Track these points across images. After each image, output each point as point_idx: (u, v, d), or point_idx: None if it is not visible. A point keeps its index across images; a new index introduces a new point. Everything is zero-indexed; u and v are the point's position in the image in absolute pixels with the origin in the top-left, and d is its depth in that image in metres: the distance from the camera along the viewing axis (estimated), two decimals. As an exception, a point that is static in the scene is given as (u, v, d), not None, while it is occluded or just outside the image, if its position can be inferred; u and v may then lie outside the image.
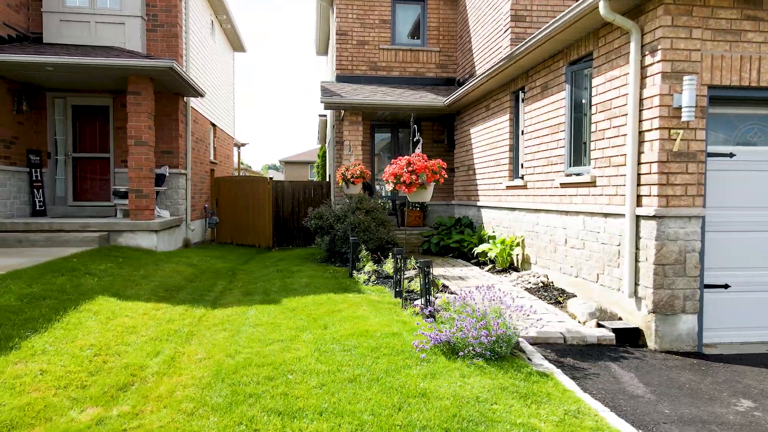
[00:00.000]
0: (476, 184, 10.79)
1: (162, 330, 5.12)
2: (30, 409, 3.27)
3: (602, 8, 5.24)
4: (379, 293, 6.91)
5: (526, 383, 3.84)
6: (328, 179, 16.14)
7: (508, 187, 8.96)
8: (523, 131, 8.50)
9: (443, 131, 13.36)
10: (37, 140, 11.50)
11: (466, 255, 10.11)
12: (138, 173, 10.21)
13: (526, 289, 7.17)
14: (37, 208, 11.25)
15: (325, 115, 20.17)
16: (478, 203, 10.53)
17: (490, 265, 8.83)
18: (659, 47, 5.04)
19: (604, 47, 6.01)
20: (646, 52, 5.22)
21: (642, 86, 5.29)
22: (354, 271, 8.13)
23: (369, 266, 8.36)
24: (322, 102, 11.34)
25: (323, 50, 19.10)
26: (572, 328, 5.48)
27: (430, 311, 5.46)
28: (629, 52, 5.42)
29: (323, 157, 27.58)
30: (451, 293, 6.66)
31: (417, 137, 6.71)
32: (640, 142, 5.31)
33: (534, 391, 3.70)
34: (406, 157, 5.82)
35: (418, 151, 5.97)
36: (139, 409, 3.42)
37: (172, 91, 11.72)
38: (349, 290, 6.93)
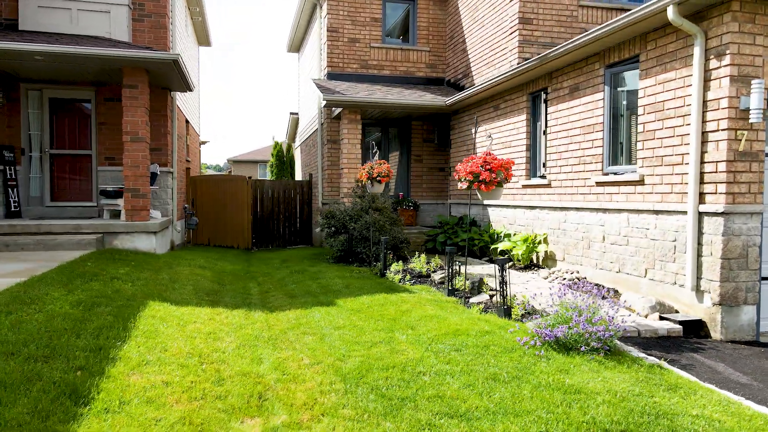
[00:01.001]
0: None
1: (242, 336, 4.84)
2: (189, 422, 2.99)
3: (671, 13, 5.44)
4: (427, 292, 6.84)
5: (656, 376, 3.93)
6: (309, 178, 15.79)
7: (525, 186, 9.13)
8: (545, 131, 8.68)
9: (433, 130, 13.43)
10: (10, 135, 10.59)
11: (475, 253, 10.21)
12: (134, 171, 9.61)
13: (563, 284, 7.32)
14: (12, 209, 10.37)
15: (297, 113, 19.78)
16: (485, 201, 10.66)
17: (510, 263, 8.96)
18: (727, 52, 5.29)
19: (655, 50, 6.23)
20: (711, 56, 5.47)
21: (706, 89, 5.53)
22: (386, 271, 8.01)
23: (395, 265, 8.27)
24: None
25: (296, 48, 18.71)
26: (640, 321, 5.65)
27: (506, 309, 5.47)
28: (690, 56, 5.66)
29: (278, 156, 26.98)
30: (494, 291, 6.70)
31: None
32: (703, 142, 5.56)
33: (672, 383, 3.79)
34: (479, 155, 5.80)
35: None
36: (297, 418, 3.21)
37: (161, 85, 11.12)
38: (396, 290, 6.82)
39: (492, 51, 11.03)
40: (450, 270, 6.57)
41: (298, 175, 20.66)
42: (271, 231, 15.29)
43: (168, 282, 6.87)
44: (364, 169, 8.16)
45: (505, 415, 3.19)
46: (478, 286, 6.67)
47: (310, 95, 15.62)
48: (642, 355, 4.56)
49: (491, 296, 6.41)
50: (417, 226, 12.79)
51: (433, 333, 4.82)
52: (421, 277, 7.90)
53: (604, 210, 7.14)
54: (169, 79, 10.50)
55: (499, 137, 10.10)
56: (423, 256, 8.80)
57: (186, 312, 5.37)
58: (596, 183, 7.26)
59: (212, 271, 8.47)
